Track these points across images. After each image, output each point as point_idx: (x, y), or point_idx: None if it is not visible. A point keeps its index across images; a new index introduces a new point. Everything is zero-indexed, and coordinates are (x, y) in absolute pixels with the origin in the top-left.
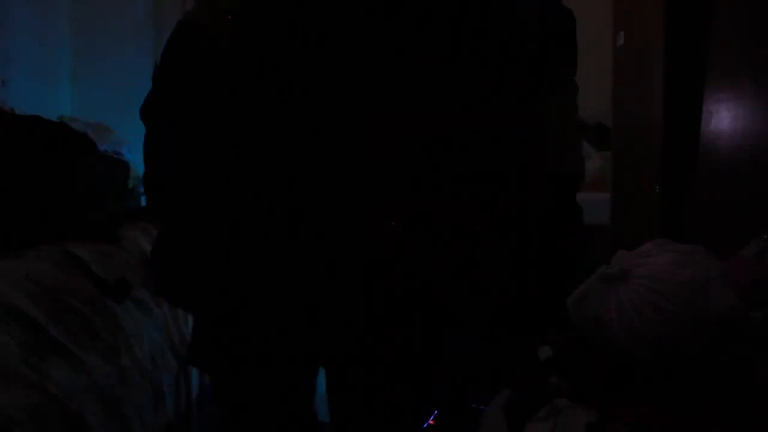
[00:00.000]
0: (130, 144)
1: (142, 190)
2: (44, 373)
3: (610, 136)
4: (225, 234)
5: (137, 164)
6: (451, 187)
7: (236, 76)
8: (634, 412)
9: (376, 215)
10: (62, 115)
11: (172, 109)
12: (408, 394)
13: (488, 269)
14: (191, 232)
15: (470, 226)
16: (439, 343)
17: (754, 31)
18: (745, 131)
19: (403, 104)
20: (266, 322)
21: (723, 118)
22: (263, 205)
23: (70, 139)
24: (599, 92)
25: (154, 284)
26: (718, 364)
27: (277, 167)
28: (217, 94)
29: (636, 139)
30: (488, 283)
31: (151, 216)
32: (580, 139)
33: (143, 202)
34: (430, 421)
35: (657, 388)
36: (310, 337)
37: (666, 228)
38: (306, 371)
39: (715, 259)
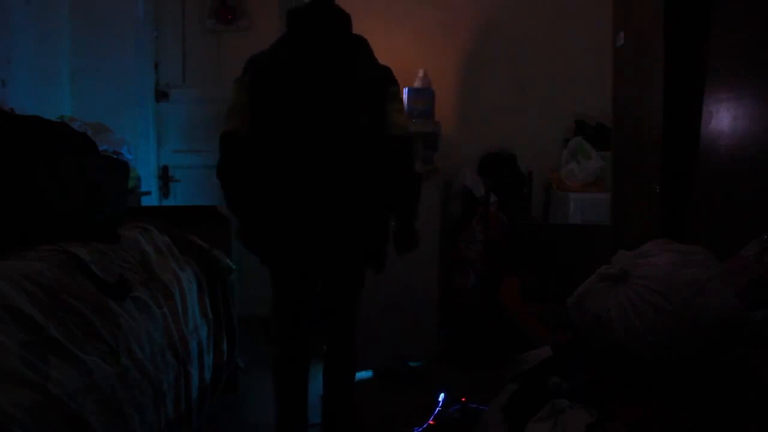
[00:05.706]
0: (130, 144)
1: (141, 190)
2: (44, 373)
3: (610, 136)
4: (264, 209)
5: (137, 164)
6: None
7: (259, 121)
8: (634, 412)
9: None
10: (62, 115)
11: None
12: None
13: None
14: (252, 210)
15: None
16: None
17: (754, 31)
18: (745, 131)
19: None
20: (292, 257)
21: (723, 118)
22: (285, 193)
23: (70, 138)
24: (599, 92)
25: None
26: (718, 364)
27: (290, 170)
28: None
29: (636, 139)
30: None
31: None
32: (407, 123)
33: (143, 202)
34: (430, 421)
35: (657, 388)
36: (319, 262)
37: (666, 228)
38: (313, 284)
39: (715, 259)
